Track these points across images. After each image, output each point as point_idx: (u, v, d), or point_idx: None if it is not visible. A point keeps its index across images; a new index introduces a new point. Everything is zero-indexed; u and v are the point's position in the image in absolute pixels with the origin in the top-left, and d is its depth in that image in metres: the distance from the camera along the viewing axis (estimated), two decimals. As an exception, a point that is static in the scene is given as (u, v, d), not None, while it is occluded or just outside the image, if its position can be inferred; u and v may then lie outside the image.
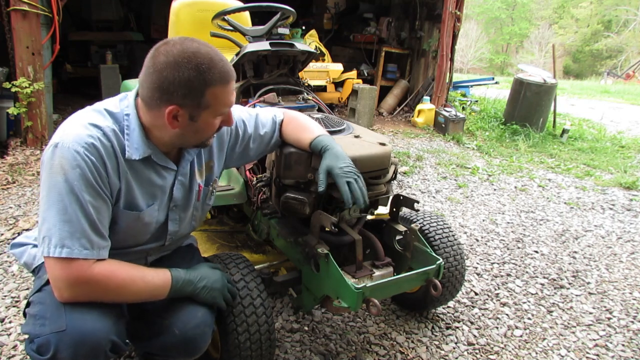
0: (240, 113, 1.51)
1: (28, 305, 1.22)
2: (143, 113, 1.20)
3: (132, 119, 1.20)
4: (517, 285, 2.54)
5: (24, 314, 1.24)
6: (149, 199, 1.28)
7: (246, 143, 1.51)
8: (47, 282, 1.19)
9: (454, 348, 1.98)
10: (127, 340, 1.25)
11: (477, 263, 2.77)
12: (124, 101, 1.23)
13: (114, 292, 1.15)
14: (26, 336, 1.15)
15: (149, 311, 1.32)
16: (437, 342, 2.00)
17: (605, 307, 2.41)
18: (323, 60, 6.27)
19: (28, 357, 1.13)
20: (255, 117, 1.53)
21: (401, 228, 1.78)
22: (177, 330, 1.27)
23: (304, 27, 6.76)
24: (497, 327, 2.15)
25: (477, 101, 7.98)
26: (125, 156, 1.18)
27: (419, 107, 6.63)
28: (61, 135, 1.11)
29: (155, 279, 1.22)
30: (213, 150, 1.43)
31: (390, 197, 1.78)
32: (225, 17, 2.24)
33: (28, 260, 1.38)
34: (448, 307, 2.26)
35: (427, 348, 1.96)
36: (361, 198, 1.38)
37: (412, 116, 6.76)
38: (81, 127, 1.12)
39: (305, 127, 1.54)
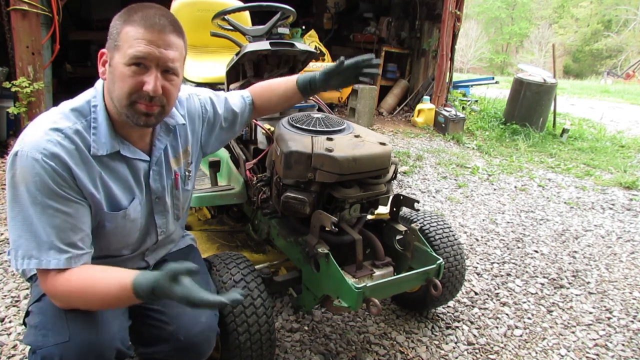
0: (207, 94, 1.50)
1: (27, 314, 1.19)
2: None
3: (99, 110, 1.16)
4: (517, 285, 2.54)
5: (24, 323, 1.21)
6: (129, 195, 1.24)
7: (219, 124, 1.51)
8: None
9: (454, 348, 1.98)
10: (130, 344, 1.25)
11: (477, 263, 2.77)
12: (92, 91, 1.19)
13: (82, 302, 1.08)
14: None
15: (152, 317, 1.30)
16: (437, 342, 2.00)
17: (605, 306, 2.41)
18: (323, 60, 6.26)
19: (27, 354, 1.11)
20: (225, 99, 1.53)
21: (401, 228, 1.78)
22: (182, 336, 1.26)
23: (303, 27, 6.75)
24: (497, 327, 2.15)
25: (477, 101, 7.98)
26: (90, 153, 1.13)
27: (418, 106, 6.63)
28: (20, 143, 1.06)
29: (117, 296, 1.05)
30: (187, 134, 1.41)
31: (391, 197, 1.78)
32: (225, 17, 2.24)
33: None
34: (448, 306, 2.26)
35: (427, 348, 1.96)
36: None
37: (412, 116, 6.76)
38: (41, 132, 1.07)
39: (278, 82, 1.58)
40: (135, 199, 1.25)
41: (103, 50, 1.15)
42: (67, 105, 1.17)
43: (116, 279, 1.05)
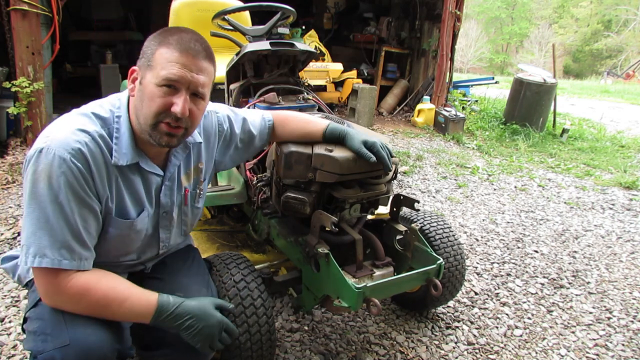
0: (226, 111, 1.50)
1: (25, 320, 1.19)
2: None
3: (122, 122, 1.17)
4: (517, 285, 2.54)
5: (23, 330, 1.21)
6: (139, 206, 1.25)
7: (235, 144, 1.50)
8: None
9: (453, 348, 1.98)
10: (131, 344, 1.25)
11: (477, 263, 2.77)
12: (116, 101, 1.21)
13: (89, 308, 1.11)
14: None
15: None
16: (437, 342, 2.00)
17: (605, 306, 2.41)
18: (323, 60, 6.27)
19: (28, 359, 1.11)
20: (243, 119, 1.52)
21: (401, 228, 1.78)
22: (183, 339, 1.25)
23: (303, 27, 6.76)
24: (497, 327, 2.15)
25: (477, 101, 7.98)
26: (112, 161, 1.15)
27: (418, 106, 6.63)
28: (46, 140, 1.06)
29: (136, 305, 1.14)
30: (201, 151, 1.41)
31: (391, 197, 1.78)
32: (226, 17, 2.25)
33: (21, 273, 1.34)
34: (448, 306, 2.26)
35: (427, 348, 1.96)
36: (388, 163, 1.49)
37: (412, 116, 6.76)
38: (68, 132, 1.08)
39: (308, 121, 1.55)
40: (144, 211, 1.26)
41: (134, 67, 1.17)
42: (89, 109, 1.18)
43: (146, 295, 1.15)
